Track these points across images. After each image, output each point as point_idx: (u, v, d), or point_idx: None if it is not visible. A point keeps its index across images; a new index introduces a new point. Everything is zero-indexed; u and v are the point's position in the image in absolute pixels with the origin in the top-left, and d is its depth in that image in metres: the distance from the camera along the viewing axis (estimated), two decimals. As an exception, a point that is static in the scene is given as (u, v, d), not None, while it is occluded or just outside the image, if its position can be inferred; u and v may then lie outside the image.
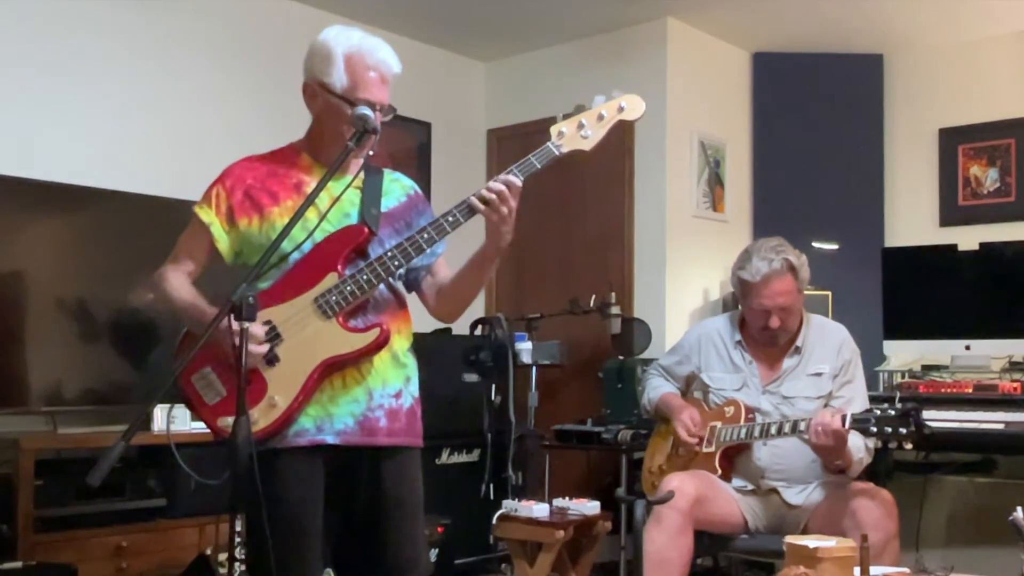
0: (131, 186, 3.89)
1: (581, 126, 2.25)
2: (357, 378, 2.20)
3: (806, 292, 3.27)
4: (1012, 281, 4.07)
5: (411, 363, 2.34)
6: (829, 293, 4.58)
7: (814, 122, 5.23)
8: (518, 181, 2.17)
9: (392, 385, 2.26)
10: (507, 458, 4.34)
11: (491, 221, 2.17)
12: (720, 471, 3.16)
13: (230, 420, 1.91)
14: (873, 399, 3.34)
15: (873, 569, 2.24)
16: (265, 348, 2.11)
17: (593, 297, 4.61)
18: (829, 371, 3.18)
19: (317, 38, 2.25)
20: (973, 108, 4.96)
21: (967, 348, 4.08)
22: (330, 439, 2.18)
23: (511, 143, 5.39)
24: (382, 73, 2.23)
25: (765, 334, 3.19)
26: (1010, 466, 4.09)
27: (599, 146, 2.27)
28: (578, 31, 5.08)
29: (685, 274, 4.96)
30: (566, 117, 2.26)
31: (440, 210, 2.23)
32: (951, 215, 5.01)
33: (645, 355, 4.53)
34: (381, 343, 2.17)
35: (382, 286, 2.23)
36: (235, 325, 1.91)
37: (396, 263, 2.17)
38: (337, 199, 2.16)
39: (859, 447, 3.04)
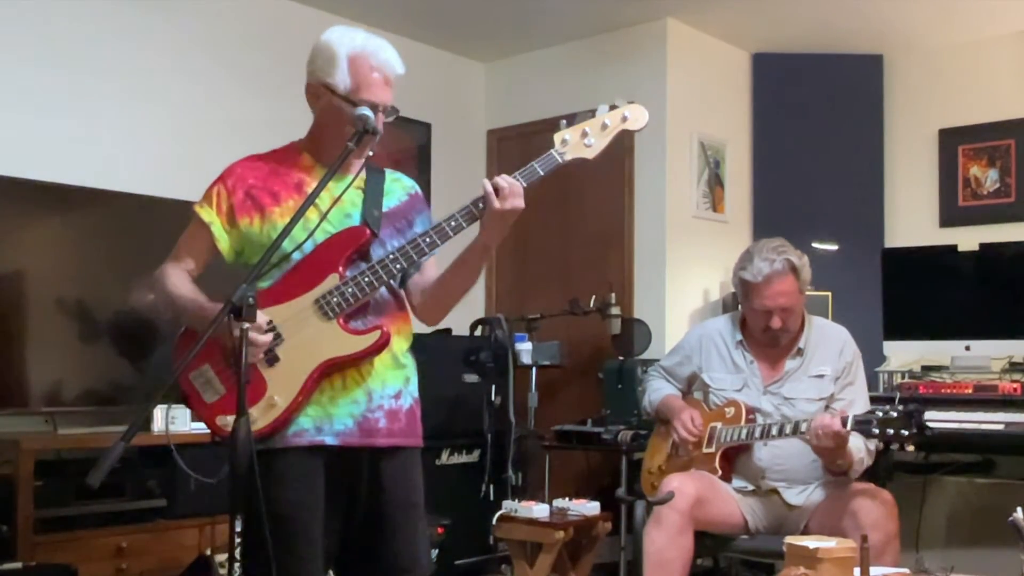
0: (131, 186, 3.90)
1: (584, 134, 2.26)
2: (356, 379, 2.20)
3: (806, 293, 3.27)
4: (1012, 281, 4.07)
5: (410, 364, 2.34)
6: (829, 294, 4.58)
7: (814, 122, 5.22)
8: (520, 186, 2.17)
9: (392, 386, 2.26)
10: (507, 458, 4.34)
11: (490, 217, 2.17)
12: (720, 471, 3.16)
13: (229, 419, 1.91)
14: (873, 400, 3.34)
15: (873, 570, 2.23)
16: (269, 337, 2.10)
17: (593, 297, 4.61)
18: (831, 373, 3.18)
19: (320, 39, 2.25)
20: (973, 108, 4.96)
21: (967, 348, 4.08)
22: (329, 440, 2.18)
23: (511, 144, 5.39)
24: (386, 74, 2.23)
25: (767, 335, 3.19)
26: (1010, 466, 4.08)
27: (601, 155, 2.28)
28: (578, 31, 5.08)
29: (685, 274, 4.96)
30: (569, 124, 2.27)
31: (440, 211, 2.23)
32: (951, 216, 5.01)
33: (645, 355, 4.53)
34: (381, 345, 2.17)
35: (383, 288, 2.23)
36: (235, 326, 1.91)
37: (398, 266, 2.17)
38: (338, 199, 2.16)
39: (860, 448, 3.04)
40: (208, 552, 3.34)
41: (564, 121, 2.27)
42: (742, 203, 5.32)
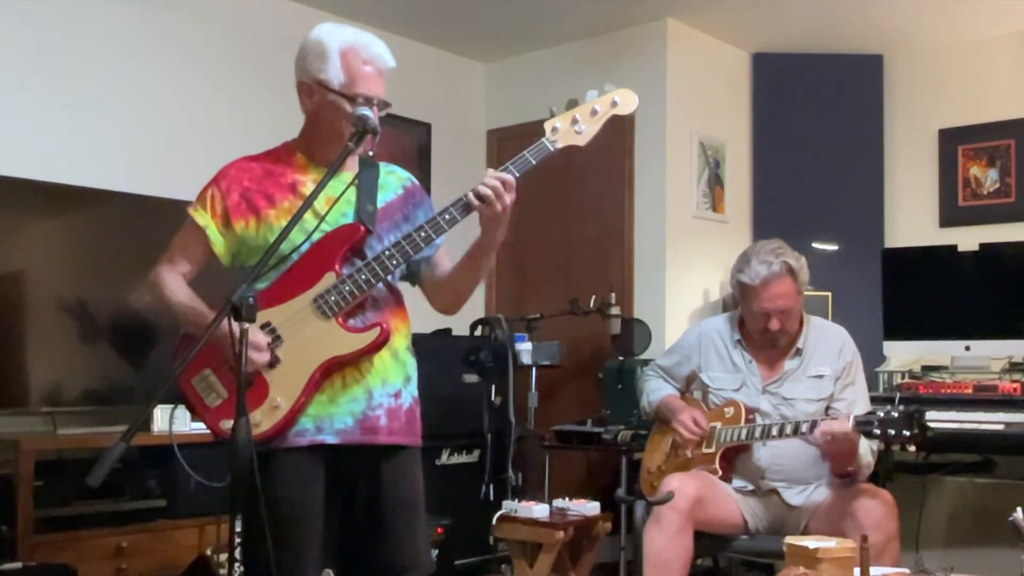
0: (131, 186, 3.89)
1: (575, 121, 2.26)
2: (356, 377, 2.20)
3: (806, 293, 3.27)
4: (1012, 281, 4.07)
5: (410, 362, 2.34)
6: (829, 294, 4.58)
7: (814, 122, 5.22)
8: (512, 178, 2.17)
9: (392, 384, 2.26)
10: (507, 458, 4.34)
11: (486, 218, 2.17)
12: (720, 472, 3.16)
13: (232, 423, 1.91)
14: (873, 400, 3.34)
15: (873, 570, 2.23)
16: (267, 357, 2.10)
17: (593, 297, 4.60)
18: (831, 374, 3.18)
19: (309, 36, 2.24)
20: (973, 109, 4.96)
21: (967, 349, 4.08)
22: (330, 439, 2.17)
23: (511, 144, 5.38)
24: (378, 67, 2.23)
25: (765, 336, 3.19)
26: (1010, 466, 4.08)
27: (594, 141, 2.27)
28: (578, 31, 5.08)
29: (685, 274, 4.96)
30: (559, 113, 2.27)
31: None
32: (951, 215, 5.01)
33: (645, 355, 4.52)
34: (381, 343, 2.17)
35: (380, 285, 2.23)
36: (235, 327, 1.91)
37: (394, 262, 2.17)
38: (336, 201, 2.15)
39: (866, 452, 3.04)
40: (208, 552, 3.34)
41: (553, 109, 2.27)
42: (742, 203, 5.32)
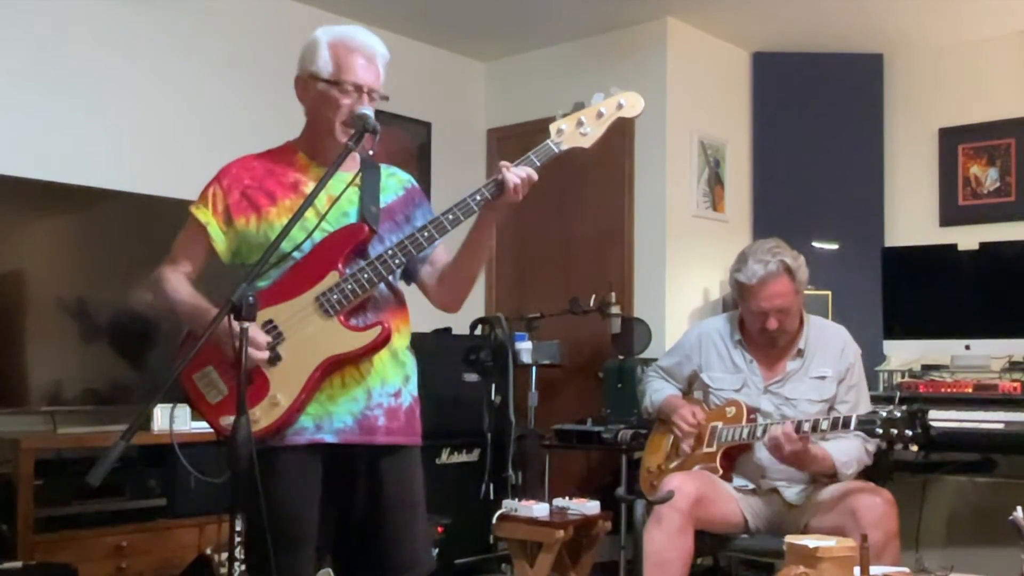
0: (131, 186, 3.89)
1: (580, 123, 2.26)
2: (356, 377, 2.20)
3: (806, 292, 3.27)
4: (1012, 281, 4.07)
5: (410, 362, 2.34)
6: (829, 293, 4.58)
7: (814, 122, 5.22)
8: (536, 174, 2.18)
9: (391, 384, 2.26)
10: (507, 458, 4.34)
11: (498, 208, 2.18)
12: (721, 471, 3.16)
13: (232, 419, 1.92)
14: (873, 399, 3.34)
15: (873, 569, 2.24)
16: (266, 355, 2.11)
17: (593, 297, 4.60)
18: (833, 374, 3.18)
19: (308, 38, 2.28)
20: (973, 108, 4.96)
21: (967, 348, 4.08)
22: (329, 438, 2.18)
23: (511, 143, 5.38)
24: (366, 54, 2.24)
25: (764, 336, 3.19)
26: (1010, 466, 4.08)
27: (598, 143, 2.28)
28: (578, 31, 5.08)
29: (685, 274, 4.96)
30: (565, 115, 2.27)
31: (440, 210, 2.23)
32: (951, 215, 5.00)
33: (645, 355, 4.52)
34: (383, 341, 2.18)
35: (382, 284, 2.23)
36: (235, 325, 1.91)
37: (396, 261, 2.17)
38: (336, 199, 2.16)
39: (844, 451, 3.04)
40: (208, 551, 3.34)
41: (560, 112, 2.27)
42: (742, 202, 5.32)
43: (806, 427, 2.95)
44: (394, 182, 2.37)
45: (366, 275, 2.16)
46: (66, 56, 3.93)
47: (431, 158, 5.29)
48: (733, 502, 3.15)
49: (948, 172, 5.03)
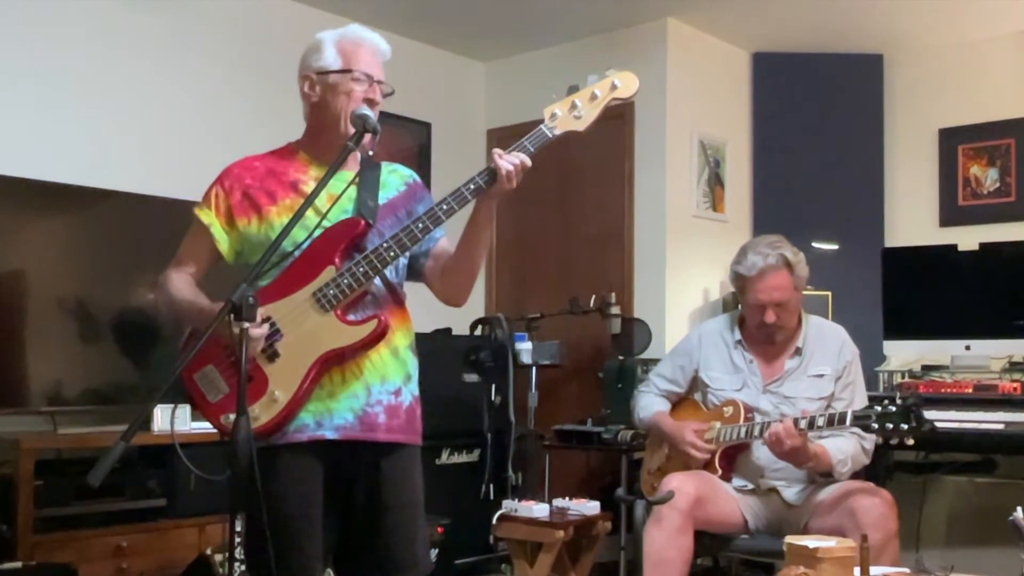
0: (131, 186, 3.89)
1: (574, 107, 2.25)
2: (356, 373, 2.20)
3: (805, 292, 3.27)
4: (1012, 281, 4.07)
5: (411, 361, 2.34)
6: (829, 293, 4.58)
7: (814, 122, 5.22)
8: (529, 160, 2.16)
9: (391, 382, 2.26)
10: (507, 458, 4.34)
11: (493, 196, 2.18)
12: (720, 471, 3.17)
13: (232, 416, 1.92)
14: (873, 399, 3.33)
15: (873, 569, 2.24)
16: (265, 329, 2.10)
17: (593, 297, 4.60)
18: (831, 373, 3.19)
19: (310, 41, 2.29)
20: (973, 108, 4.96)
21: (967, 348, 4.08)
22: (329, 435, 2.18)
23: (511, 143, 5.29)
24: (371, 48, 2.26)
25: (762, 330, 3.20)
26: (1010, 466, 4.08)
27: (593, 126, 2.26)
28: (578, 31, 5.08)
29: (685, 274, 4.96)
30: (559, 98, 2.26)
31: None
32: (951, 215, 5.00)
33: (645, 355, 4.53)
34: (379, 334, 2.17)
35: (379, 283, 2.23)
36: (235, 325, 1.91)
37: (392, 254, 2.16)
38: (337, 199, 2.16)
39: (840, 448, 3.04)
40: (208, 551, 3.34)
41: (554, 96, 2.27)
42: (742, 203, 5.32)
43: (803, 424, 2.95)
44: (395, 178, 2.37)
45: (361, 268, 2.15)
46: (66, 56, 3.93)
47: (431, 158, 5.29)
48: (733, 502, 3.15)
49: (948, 172, 5.03)
